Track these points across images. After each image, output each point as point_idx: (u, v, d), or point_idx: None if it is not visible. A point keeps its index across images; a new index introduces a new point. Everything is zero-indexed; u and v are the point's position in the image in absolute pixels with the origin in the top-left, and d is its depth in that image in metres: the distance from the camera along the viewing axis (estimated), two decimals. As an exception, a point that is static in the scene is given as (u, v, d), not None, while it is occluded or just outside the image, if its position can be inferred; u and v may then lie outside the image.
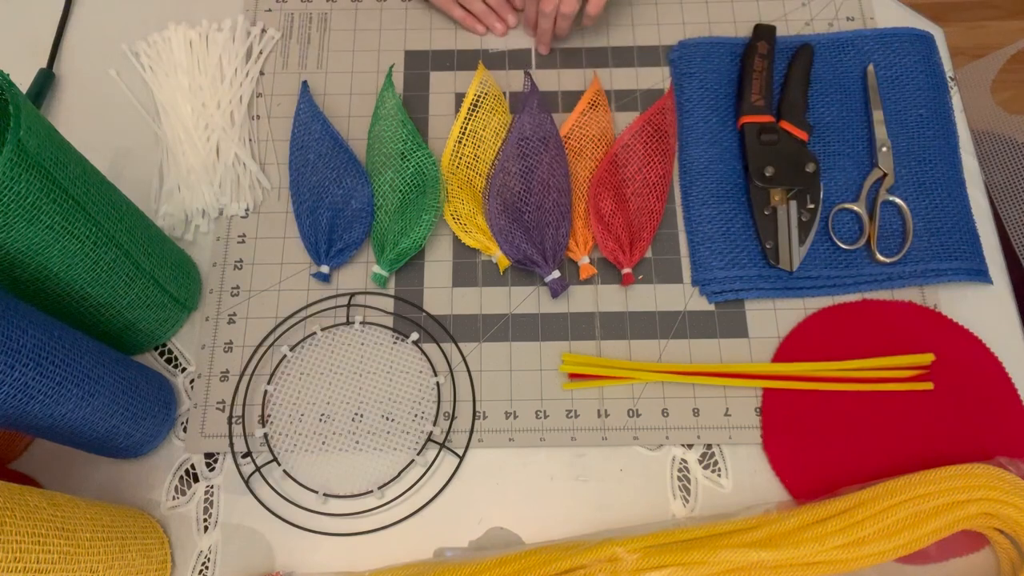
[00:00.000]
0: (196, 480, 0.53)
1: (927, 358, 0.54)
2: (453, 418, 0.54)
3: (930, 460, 0.50)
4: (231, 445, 0.53)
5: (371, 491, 0.52)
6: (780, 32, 0.64)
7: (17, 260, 0.42)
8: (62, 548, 0.39)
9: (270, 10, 0.68)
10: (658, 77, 0.64)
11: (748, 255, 0.57)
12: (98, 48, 0.66)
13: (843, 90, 0.62)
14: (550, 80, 0.64)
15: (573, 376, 0.55)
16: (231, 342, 0.56)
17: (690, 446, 0.53)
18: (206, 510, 0.52)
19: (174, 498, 0.52)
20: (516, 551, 0.48)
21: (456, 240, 0.59)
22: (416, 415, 0.54)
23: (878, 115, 0.61)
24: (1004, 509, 0.47)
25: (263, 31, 0.66)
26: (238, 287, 0.58)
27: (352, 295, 0.57)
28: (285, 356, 0.55)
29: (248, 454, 0.53)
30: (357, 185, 0.58)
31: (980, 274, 0.56)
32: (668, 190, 0.59)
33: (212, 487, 0.53)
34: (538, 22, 0.60)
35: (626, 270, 0.56)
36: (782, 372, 0.54)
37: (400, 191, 0.58)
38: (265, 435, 0.53)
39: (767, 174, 0.57)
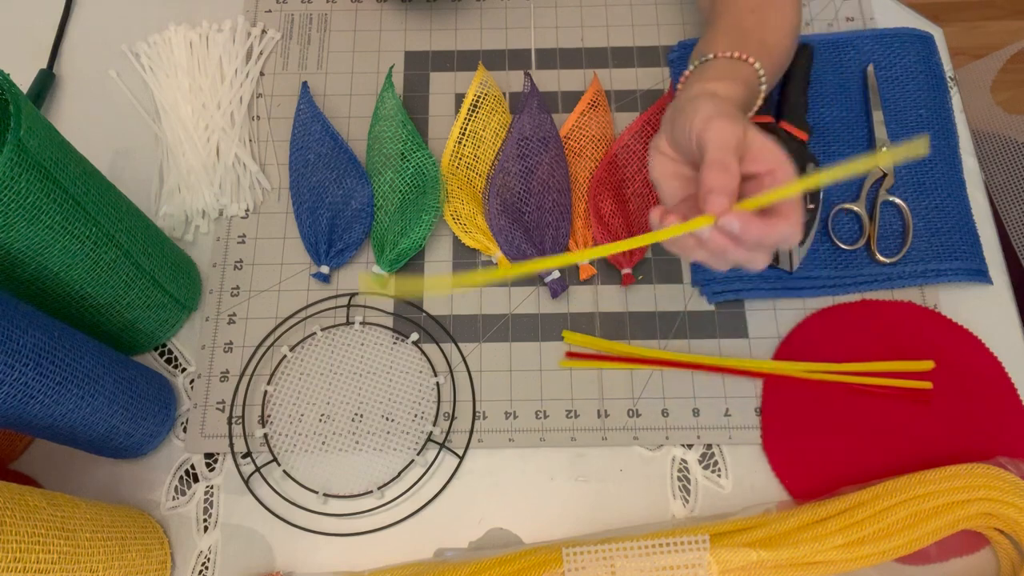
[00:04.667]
0: (196, 480, 0.53)
1: (927, 364, 0.54)
2: (453, 418, 0.54)
3: (930, 460, 0.50)
4: (231, 445, 0.53)
5: (371, 491, 0.52)
6: (780, 32, 0.64)
7: (17, 260, 0.42)
8: (62, 548, 0.39)
9: (270, 11, 0.68)
10: (658, 77, 0.64)
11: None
12: (98, 49, 0.66)
13: (843, 90, 0.62)
14: (550, 80, 0.64)
15: (571, 355, 0.55)
16: (231, 342, 0.56)
17: (690, 446, 0.53)
18: (206, 510, 0.52)
19: (174, 498, 0.52)
20: (516, 551, 0.48)
21: (456, 240, 0.59)
22: (416, 415, 0.54)
23: (878, 115, 0.61)
24: (1004, 509, 0.47)
25: (263, 32, 0.66)
26: (238, 287, 0.58)
27: (352, 295, 0.57)
28: (285, 356, 0.55)
29: (248, 454, 0.53)
30: (357, 185, 0.58)
31: (980, 274, 0.56)
32: (668, 190, 0.59)
33: (212, 487, 0.53)
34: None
35: (626, 270, 0.56)
36: (781, 370, 0.54)
37: (400, 191, 0.58)
38: (265, 435, 0.53)
39: (767, 174, 0.57)
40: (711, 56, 0.49)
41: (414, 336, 0.56)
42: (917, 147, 0.37)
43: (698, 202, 0.41)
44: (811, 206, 0.57)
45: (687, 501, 0.52)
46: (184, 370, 0.56)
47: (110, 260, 0.47)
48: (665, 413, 0.54)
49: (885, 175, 0.59)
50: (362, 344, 0.56)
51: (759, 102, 0.51)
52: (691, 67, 0.51)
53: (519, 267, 0.39)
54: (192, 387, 0.55)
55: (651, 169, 0.47)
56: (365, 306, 0.57)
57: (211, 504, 0.52)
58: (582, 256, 0.43)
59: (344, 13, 0.67)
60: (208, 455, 0.53)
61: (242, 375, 0.55)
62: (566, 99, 0.64)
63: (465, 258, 0.59)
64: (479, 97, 0.61)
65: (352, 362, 0.55)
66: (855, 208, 0.58)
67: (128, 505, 0.51)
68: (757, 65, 0.49)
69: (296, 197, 0.59)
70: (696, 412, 0.54)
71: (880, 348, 0.55)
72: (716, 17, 0.53)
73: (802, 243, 0.56)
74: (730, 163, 0.39)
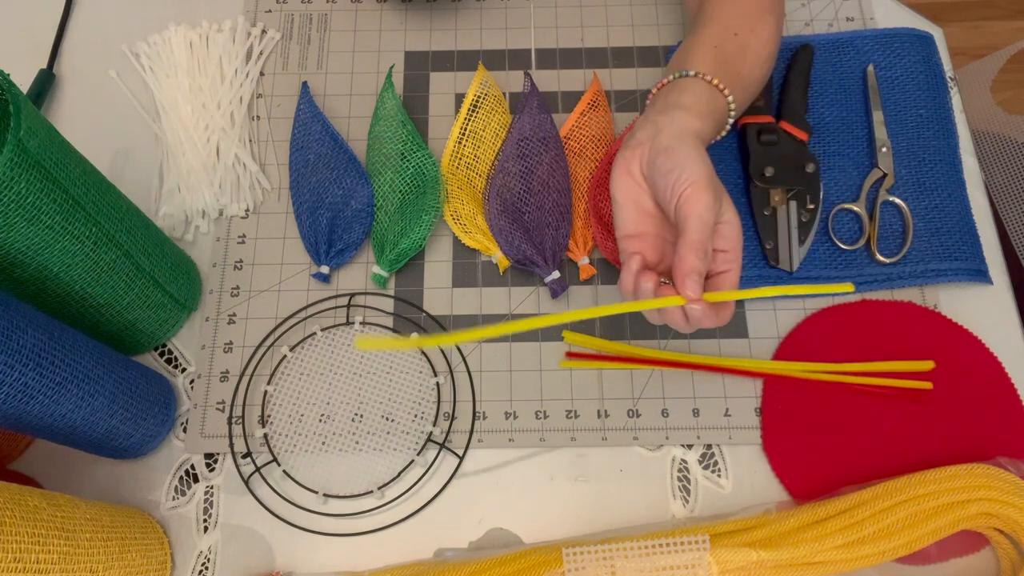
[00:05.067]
0: (196, 480, 0.53)
1: (927, 364, 0.54)
2: (453, 418, 0.54)
3: (930, 460, 0.50)
4: (231, 445, 0.53)
5: (371, 491, 0.52)
6: (780, 32, 0.64)
7: (17, 260, 0.42)
8: (62, 548, 0.39)
9: (270, 11, 0.68)
10: (658, 77, 0.64)
11: (748, 256, 0.57)
12: (98, 49, 0.66)
13: (843, 90, 0.62)
14: (550, 80, 0.64)
15: (571, 355, 0.55)
16: (231, 342, 0.56)
17: (690, 446, 0.53)
18: (206, 510, 0.52)
19: (174, 498, 0.52)
20: (516, 551, 0.48)
21: (456, 240, 0.59)
22: (416, 415, 0.54)
23: (878, 115, 0.61)
24: (1004, 509, 0.47)
25: (263, 32, 0.66)
26: (238, 287, 0.58)
27: (352, 295, 0.57)
28: (285, 356, 0.55)
29: (248, 454, 0.53)
30: (357, 185, 0.58)
31: (980, 274, 0.56)
32: (668, 190, 0.59)
33: (212, 487, 0.53)
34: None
35: (626, 270, 0.56)
36: (781, 370, 0.54)
37: (400, 191, 0.58)
38: (265, 435, 0.53)
39: (767, 174, 0.57)
40: (692, 73, 0.49)
41: (414, 336, 0.56)
42: (844, 287, 0.43)
43: (657, 246, 0.47)
44: (811, 206, 0.57)
45: (687, 501, 0.52)
46: (184, 370, 0.56)
47: (110, 260, 0.47)
48: (665, 413, 0.54)
49: (885, 175, 0.59)
50: (362, 344, 0.56)
51: (723, 133, 0.52)
52: (670, 77, 0.50)
53: (526, 323, 0.40)
54: (192, 387, 0.55)
55: (615, 187, 0.47)
56: (365, 306, 0.57)
57: (211, 504, 0.52)
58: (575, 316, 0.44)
59: (344, 13, 0.67)
60: (208, 455, 0.53)
61: (242, 375, 0.55)
62: (566, 99, 0.64)
63: (465, 258, 0.59)
64: (479, 97, 0.61)
65: (352, 362, 0.55)
66: (855, 208, 0.58)
67: (128, 505, 0.51)
68: (731, 99, 0.49)
69: (296, 197, 0.59)
70: (696, 412, 0.54)
71: (880, 348, 0.55)
72: (700, 27, 0.53)
73: (802, 243, 0.56)
74: (708, 247, 0.43)
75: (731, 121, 0.51)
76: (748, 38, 0.52)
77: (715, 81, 0.48)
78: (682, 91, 0.48)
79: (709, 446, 0.53)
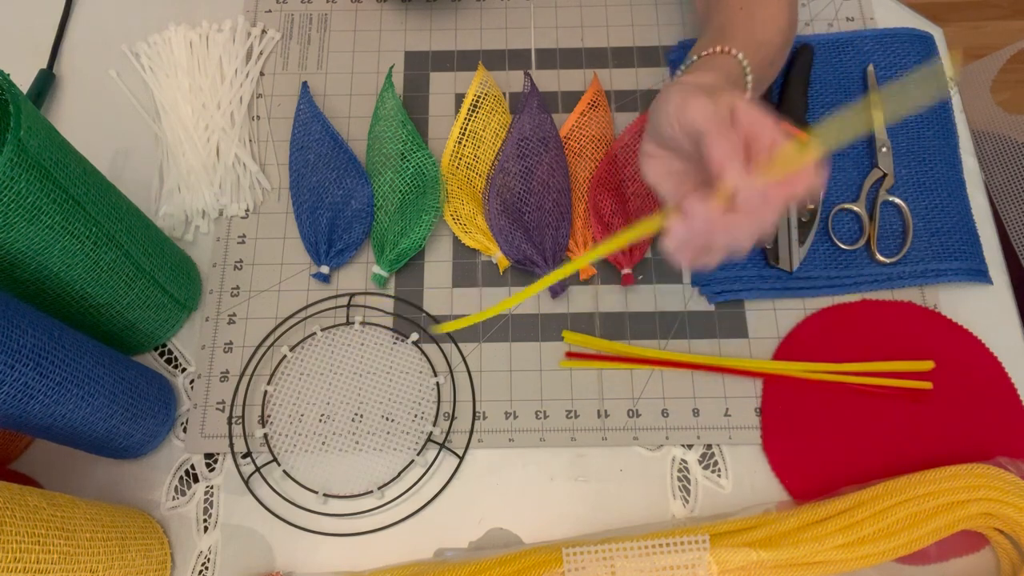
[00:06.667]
0: (196, 480, 0.53)
1: (927, 365, 0.54)
2: (453, 418, 0.54)
3: (930, 460, 0.50)
4: (231, 445, 0.53)
5: (371, 491, 0.52)
6: (780, 32, 0.64)
7: (17, 260, 0.42)
8: (62, 548, 0.39)
9: (270, 11, 0.68)
10: (658, 77, 0.64)
11: (748, 255, 0.57)
12: (98, 48, 0.66)
13: (843, 90, 0.62)
14: (550, 80, 0.64)
15: (571, 355, 0.55)
16: (231, 342, 0.56)
17: (690, 446, 0.53)
18: (206, 510, 0.52)
19: (174, 498, 0.52)
20: (516, 551, 0.48)
21: (456, 240, 0.59)
22: (416, 415, 0.54)
23: (878, 116, 0.61)
24: (1004, 509, 0.47)
25: (263, 32, 0.66)
26: (238, 287, 0.58)
27: (352, 295, 0.57)
28: (285, 356, 0.55)
29: (248, 454, 0.53)
30: (357, 185, 0.58)
31: (980, 274, 0.56)
32: (668, 190, 0.59)
33: (212, 487, 0.53)
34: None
35: (626, 270, 0.56)
36: (781, 370, 0.54)
37: (400, 191, 0.58)
38: (265, 435, 0.53)
39: (767, 174, 0.57)
40: (694, 58, 0.49)
41: (414, 336, 0.56)
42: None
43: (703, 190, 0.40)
44: (811, 206, 0.57)
45: (687, 501, 0.52)
46: (184, 370, 0.56)
47: (110, 260, 0.47)
48: (665, 413, 0.54)
49: (885, 175, 0.59)
50: (362, 344, 0.56)
51: (747, 95, 0.49)
52: (678, 72, 0.50)
53: (527, 291, 0.41)
54: (192, 387, 0.55)
55: (644, 174, 0.47)
56: (365, 306, 0.57)
57: (211, 504, 0.52)
58: (583, 260, 0.43)
59: (344, 13, 0.67)
60: (208, 455, 0.53)
61: (242, 375, 0.55)
62: (566, 99, 0.64)
63: (465, 258, 0.59)
64: (479, 97, 0.61)
65: (352, 362, 0.55)
66: (855, 208, 0.58)
67: (128, 505, 0.51)
68: (740, 56, 0.48)
69: (296, 197, 0.59)
70: (696, 412, 0.54)
71: (880, 348, 0.55)
72: (706, 21, 0.53)
73: (802, 243, 0.56)
74: (725, 130, 0.39)
75: (749, 79, 0.48)
76: (754, 9, 0.51)
77: (716, 49, 0.48)
78: (682, 74, 0.49)
79: (709, 446, 0.53)
